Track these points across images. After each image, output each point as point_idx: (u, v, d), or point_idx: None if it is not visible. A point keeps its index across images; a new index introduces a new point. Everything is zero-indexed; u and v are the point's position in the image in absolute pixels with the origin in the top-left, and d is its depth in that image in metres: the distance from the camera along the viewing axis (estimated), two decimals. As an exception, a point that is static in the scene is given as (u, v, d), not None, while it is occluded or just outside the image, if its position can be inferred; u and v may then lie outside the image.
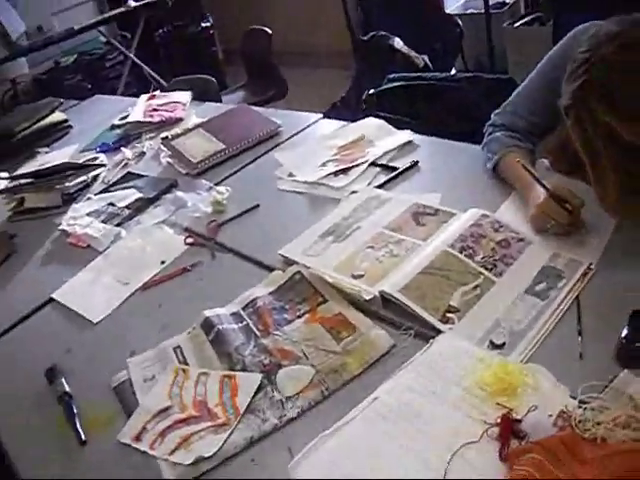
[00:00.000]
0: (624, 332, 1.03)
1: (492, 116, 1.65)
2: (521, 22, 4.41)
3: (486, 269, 1.26)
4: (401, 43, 2.84)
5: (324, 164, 1.79)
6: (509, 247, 1.31)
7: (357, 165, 1.73)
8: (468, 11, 4.86)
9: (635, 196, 1.18)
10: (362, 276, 1.32)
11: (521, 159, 1.44)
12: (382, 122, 1.93)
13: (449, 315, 1.18)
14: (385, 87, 2.18)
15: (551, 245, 1.31)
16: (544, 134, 1.58)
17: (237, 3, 5.75)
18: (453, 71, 4.16)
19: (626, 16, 1.18)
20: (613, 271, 1.22)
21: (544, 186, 1.35)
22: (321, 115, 2.19)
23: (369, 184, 1.65)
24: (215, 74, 3.30)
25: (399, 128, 1.90)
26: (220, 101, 3.08)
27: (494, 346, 1.11)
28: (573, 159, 1.53)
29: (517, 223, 1.39)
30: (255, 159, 2.01)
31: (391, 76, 2.20)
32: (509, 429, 0.95)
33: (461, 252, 1.29)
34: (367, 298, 1.25)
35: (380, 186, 1.64)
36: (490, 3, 4.65)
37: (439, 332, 1.15)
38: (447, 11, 4.73)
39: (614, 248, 1.28)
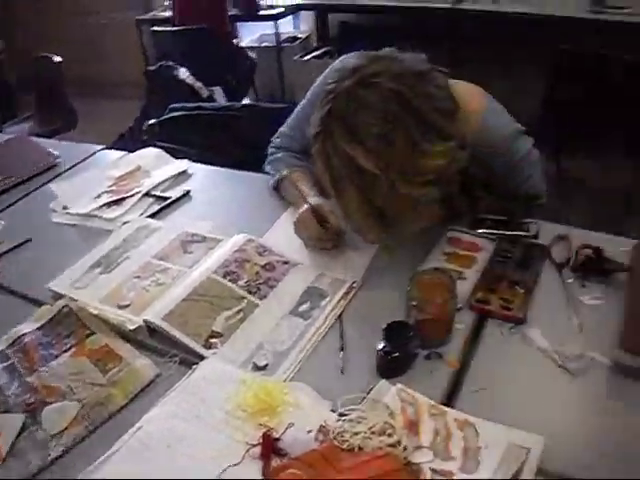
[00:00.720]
0: (380, 345, 1.10)
1: (272, 139, 1.75)
2: (311, 55, 4.63)
3: (250, 293, 1.30)
4: (187, 74, 2.86)
5: (99, 195, 1.76)
6: (274, 270, 1.36)
7: (131, 196, 1.72)
8: (263, 44, 5.03)
9: (379, 224, 1.27)
10: (128, 306, 1.31)
11: (299, 178, 1.55)
12: (160, 152, 1.94)
13: (212, 340, 1.20)
14: (166, 117, 2.19)
15: (317, 266, 1.39)
16: None
17: (32, 28, 5.50)
18: (246, 101, 4.27)
19: (371, 51, 1.27)
20: (373, 289, 1.32)
21: (307, 201, 1.46)
22: (103, 146, 2.15)
23: (142, 214, 1.65)
24: (6, 103, 3.13)
25: (178, 157, 1.92)
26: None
27: (257, 368, 1.14)
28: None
29: (284, 247, 1.45)
30: (30, 192, 1.93)
31: (172, 106, 2.21)
32: (269, 448, 0.98)
33: (225, 277, 1.32)
34: (132, 328, 1.24)
35: (152, 216, 1.64)
36: (283, 37, 4.85)
37: (203, 358, 1.16)
38: (242, 44, 4.85)
39: (375, 267, 1.38)
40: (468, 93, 1.37)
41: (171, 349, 1.20)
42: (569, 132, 3.39)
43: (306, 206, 1.47)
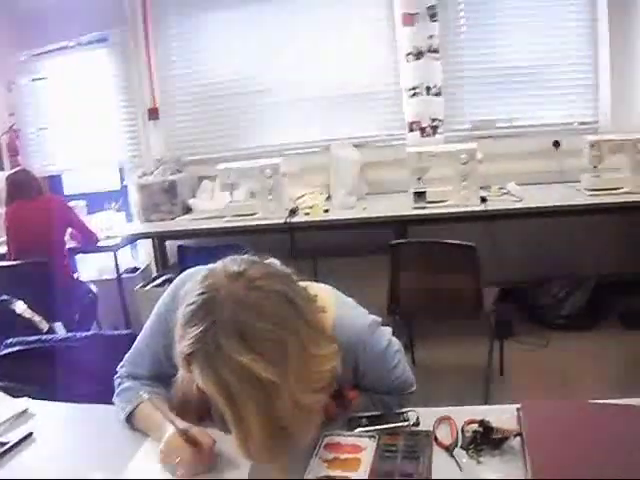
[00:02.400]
0: None
1: (118, 368, 1.61)
2: (152, 284, 4.59)
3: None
4: (24, 307, 2.70)
5: None
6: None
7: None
8: (103, 277, 4.93)
9: (279, 439, 1.13)
10: None
11: (156, 404, 1.39)
12: (-5, 393, 1.73)
13: None
14: (1, 353, 1.99)
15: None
16: (169, 379, 1.52)
17: None
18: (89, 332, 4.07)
19: (239, 256, 1.22)
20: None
21: (174, 424, 1.32)
22: None
23: (-25, 466, 1.41)
24: None
25: (17, 396, 1.72)
26: None
27: None
28: (199, 409, 1.51)
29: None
30: None
31: (8, 341, 2.03)
32: None
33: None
34: None
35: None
36: (123, 268, 4.80)
37: None
38: (81, 277, 4.74)
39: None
40: (319, 295, 1.33)
41: None
42: (417, 318, 3.54)
43: (172, 430, 1.33)
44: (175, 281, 1.52)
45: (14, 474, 1.36)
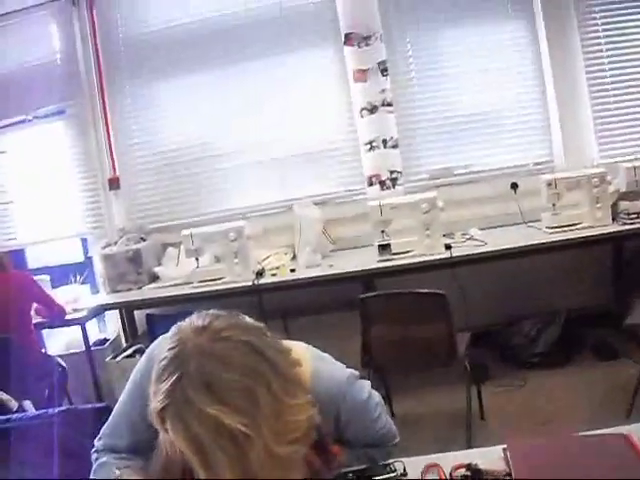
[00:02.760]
0: None
1: (95, 442, 1.57)
2: (123, 355, 4.51)
3: None
4: (-9, 388, 2.63)
5: None
6: None
7: None
8: (70, 351, 4.84)
9: None
10: None
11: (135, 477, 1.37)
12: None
13: None
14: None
15: None
16: (149, 448, 1.51)
17: None
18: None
19: (206, 311, 1.23)
20: None
21: None
22: None
23: None
24: None
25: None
26: None
27: None
28: (183, 474, 1.48)
29: None
30: None
31: (-23, 424, 1.96)
32: None
33: None
34: None
35: None
36: (92, 341, 4.71)
37: None
38: (49, 352, 4.64)
39: None
40: (294, 350, 1.30)
41: None
42: (391, 370, 3.53)
43: None
44: (151, 345, 1.50)
45: None
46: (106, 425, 1.57)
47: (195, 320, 1.20)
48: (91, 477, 1.53)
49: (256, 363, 1.12)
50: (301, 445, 1.15)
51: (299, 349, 1.38)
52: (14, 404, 2.63)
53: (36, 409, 3.85)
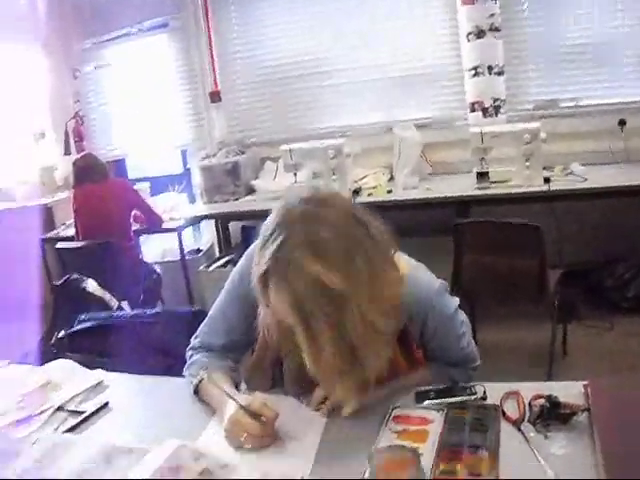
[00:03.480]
0: None
1: (192, 340, 1.66)
2: (216, 265, 4.67)
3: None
4: (95, 285, 2.79)
5: (4, 413, 1.57)
6: (211, 475, 1.21)
7: (42, 412, 1.55)
8: (166, 259, 5.04)
9: (348, 362, 1.22)
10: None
11: (218, 379, 1.47)
12: (72, 364, 1.80)
13: None
14: (76, 328, 2.07)
15: (258, 468, 1.24)
16: (243, 349, 1.64)
17: None
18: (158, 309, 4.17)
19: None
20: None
21: (236, 400, 1.36)
22: (8, 361, 1.98)
23: (55, 430, 1.48)
24: None
25: (91, 368, 1.78)
26: None
27: None
28: (269, 374, 1.57)
29: (219, 449, 1.31)
30: None
31: (82, 317, 2.11)
32: None
33: (160, 487, 1.15)
34: None
35: (68, 432, 1.47)
36: (186, 249, 4.88)
37: None
38: (146, 259, 4.85)
39: (322, 458, 1.27)
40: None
41: None
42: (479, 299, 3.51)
43: (234, 406, 1.37)
44: (250, 247, 1.55)
45: (93, 439, 1.42)
46: (203, 323, 1.66)
47: (300, 191, 1.27)
48: (184, 372, 1.63)
49: (357, 231, 1.22)
50: (392, 320, 1.25)
51: (397, 254, 1.42)
52: (115, 303, 2.78)
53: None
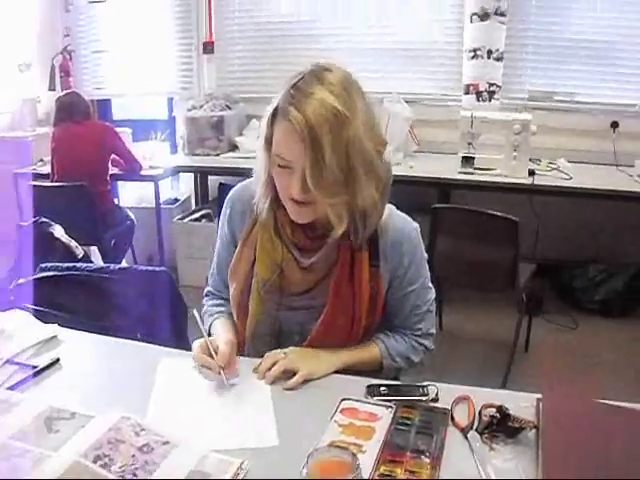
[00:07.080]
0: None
1: (208, 278, 1.82)
2: (190, 218, 4.63)
3: (124, 480, 1.11)
4: (62, 231, 2.73)
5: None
6: (152, 452, 1.19)
7: (-11, 364, 1.52)
8: (142, 204, 4.98)
9: (346, 193, 1.45)
10: (-25, 501, 1.10)
11: (219, 324, 1.68)
12: (27, 315, 1.76)
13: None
14: (35, 277, 2.02)
15: (200, 447, 1.23)
16: None
17: None
18: (124, 264, 4.13)
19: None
20: (266, 467, 1.18)
21: (205, 336, 1.54)
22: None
23: (1, 385, 1.45)
24: None
25: (48, 322, 1.74)
26: None
27: None
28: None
29: (163, 424, 1.28)
30: None
31: (43, 265, 2.06)
32: None
33: (95, 462, 1.13)
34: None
35: (13, 387, 1.44)
36: (163, 199, 4.83)
37: None
38: (121, 204, 4.79)
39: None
40: None
41: None
42: (448, 283, 3.52)
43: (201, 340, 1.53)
44: (230, 192, 1.77)
45: (38, 398, 1.39)
46: (211, 268, 1.79)
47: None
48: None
49: (357, 88, 1.44)
50: (382, 168, 1.50)
51: None
52: (80, 252, 2.73)
53: (102, 257, 4.04)
